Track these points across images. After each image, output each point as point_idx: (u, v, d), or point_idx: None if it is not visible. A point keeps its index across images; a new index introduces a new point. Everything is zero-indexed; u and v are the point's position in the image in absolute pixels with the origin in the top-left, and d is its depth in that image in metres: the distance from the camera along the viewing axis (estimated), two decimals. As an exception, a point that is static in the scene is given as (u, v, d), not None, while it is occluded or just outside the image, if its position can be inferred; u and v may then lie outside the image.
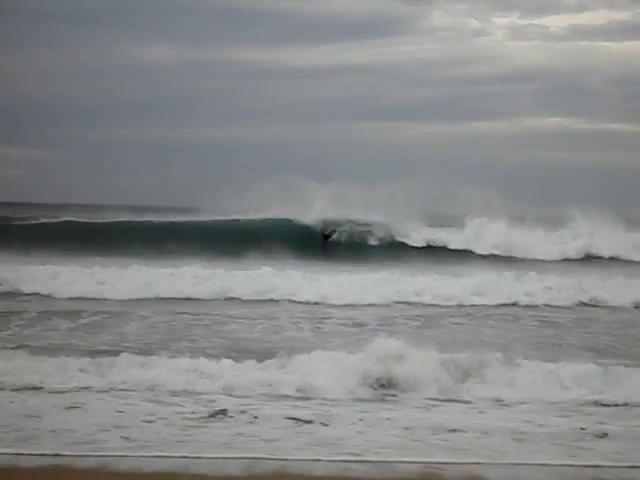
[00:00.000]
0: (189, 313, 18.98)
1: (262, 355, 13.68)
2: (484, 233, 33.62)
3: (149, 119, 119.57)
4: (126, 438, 9.73)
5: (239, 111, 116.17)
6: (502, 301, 21.75)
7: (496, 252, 32.45)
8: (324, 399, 11.77)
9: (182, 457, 9.07)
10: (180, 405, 11.31)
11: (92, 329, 16.96)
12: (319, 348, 13.82)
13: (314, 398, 11.82)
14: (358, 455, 9.31)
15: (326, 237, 31.31)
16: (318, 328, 17.70)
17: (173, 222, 34.97)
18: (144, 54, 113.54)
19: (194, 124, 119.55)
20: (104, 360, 13.06)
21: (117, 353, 13.44)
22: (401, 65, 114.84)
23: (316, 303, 21.20)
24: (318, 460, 9.11)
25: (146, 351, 14.03)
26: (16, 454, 9.09)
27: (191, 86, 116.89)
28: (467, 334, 17.34)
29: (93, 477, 8.58)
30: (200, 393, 11.91)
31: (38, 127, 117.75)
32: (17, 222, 36.77)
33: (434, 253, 31.55)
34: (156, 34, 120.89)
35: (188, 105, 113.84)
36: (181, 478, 8.58)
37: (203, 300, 21.47)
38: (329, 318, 18.87)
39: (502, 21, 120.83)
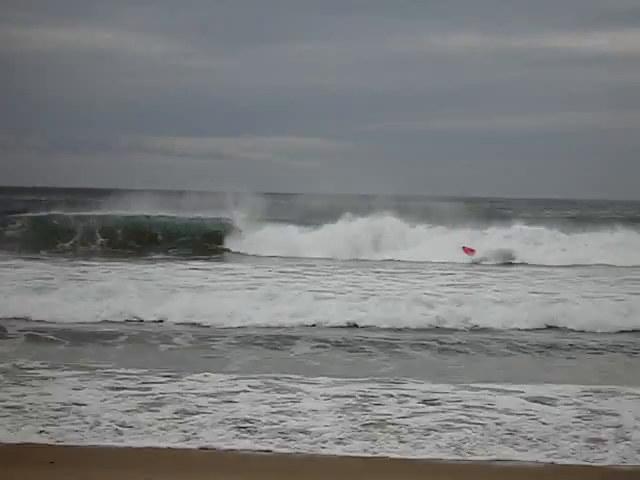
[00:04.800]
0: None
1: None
2: None
3: (445, 108, 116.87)
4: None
5: (537, 99, 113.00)
6: None
7: None
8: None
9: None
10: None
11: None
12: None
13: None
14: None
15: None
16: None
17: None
18: (444, 42, 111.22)
19: (496, 112, 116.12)
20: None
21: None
22: None
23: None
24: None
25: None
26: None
27: (494, 74, 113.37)
28: None
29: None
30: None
31: (329, 118, 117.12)
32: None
33: None
34: (458, 21, 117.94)
35: (486, 93, 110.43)
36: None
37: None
38: None
39: None
